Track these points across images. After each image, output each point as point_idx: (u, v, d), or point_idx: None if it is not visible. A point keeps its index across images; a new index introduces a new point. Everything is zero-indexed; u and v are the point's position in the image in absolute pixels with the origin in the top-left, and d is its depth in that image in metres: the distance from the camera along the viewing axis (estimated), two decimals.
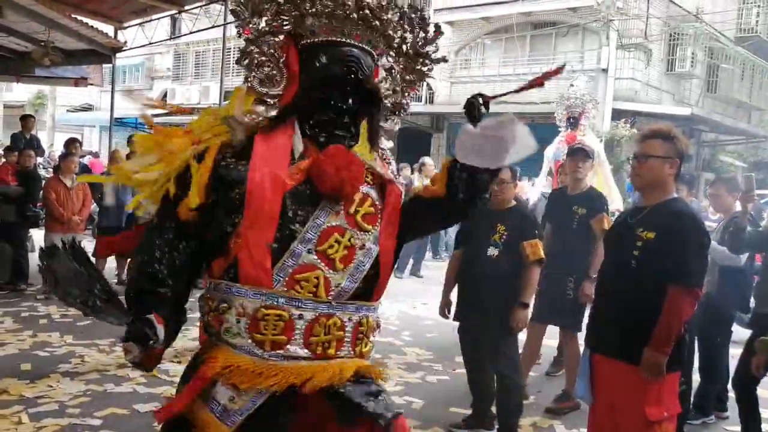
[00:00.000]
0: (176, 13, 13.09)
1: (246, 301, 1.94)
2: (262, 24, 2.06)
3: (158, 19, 12.86)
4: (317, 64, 2.05)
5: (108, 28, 10.77)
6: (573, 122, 7.90)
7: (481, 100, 2.08)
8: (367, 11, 2.06)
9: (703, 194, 11.95)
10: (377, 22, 2.09)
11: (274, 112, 2.06)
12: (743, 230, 4.60)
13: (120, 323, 1.93)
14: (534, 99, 16.61)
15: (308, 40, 2.07)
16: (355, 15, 2.05)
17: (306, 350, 1.98)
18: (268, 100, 2.07)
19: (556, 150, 7.80)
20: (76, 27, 9.22)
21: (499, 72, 17.90)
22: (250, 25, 2.05)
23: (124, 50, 11.81)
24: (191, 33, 14.42)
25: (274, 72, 2.08)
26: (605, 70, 15.75)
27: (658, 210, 3.12)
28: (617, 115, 14.82)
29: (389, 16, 2.12)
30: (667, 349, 2.95)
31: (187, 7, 11.81)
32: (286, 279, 1.96)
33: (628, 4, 15.75)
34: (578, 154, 5.22)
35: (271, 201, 1.94)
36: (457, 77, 18.84)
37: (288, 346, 1.96)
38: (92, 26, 9.85)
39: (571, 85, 8.46)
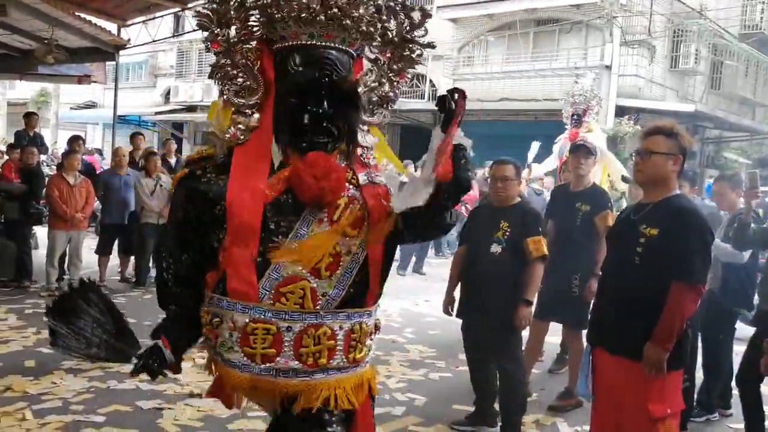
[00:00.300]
0: (179, 11, 13.08)
1: (236, 315, 1.95)
2: (232, 33, 2.03)
3: (161, 16, 12.86)
4: (291, 69, 2.00)
5: (111, 26, 10.78)
6: (576, 119, 7.88)
7: (456, 96, 1.99)
8: (336, 10, 1.99)
9: (705, 191, 11.92)
10: (348, 21, 2.02)
11: (254, 122, 2.03)
12: (747, 227, 4.58)
13: (128, 360, 2.06)
14: (537, 96, 16.61)
15: (280, 45, 2.03)
16: (322, 16, 1.98)
17: (297, 362, 1.97)
18: (246, 110, 2.04)
19: (560, 147, 7.80)
20: (79, 25, 9.23)
21: (503, 69, 17.87)
22: (219, 38, 2.02)
23: (128, 48, 11.81)
24: (194, 30, 14.39)
25: (249, 81, 2.05)
26: (609, 67, 15.72)
27: (661, 206, 3.12)
28: (621, 111, 14.79)
29: (361, 12, 2.05)
30: (669, 345, 2.95)
31: (190, 5, 11.79)
32: (272, 292, 1.95)
33: (632, 1, 15.71)
34: (580, 150, 5.22)
35: (252, 213, 1.92)
36: (460, 74, 18.81)
37: (278, 359, 1.96)
38: (95, 24, 9.86)
39: (576, 82, 8.44)
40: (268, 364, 1.96)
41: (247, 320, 1.94)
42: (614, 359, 3.14)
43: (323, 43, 2.01)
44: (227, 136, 2.02)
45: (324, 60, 1.99)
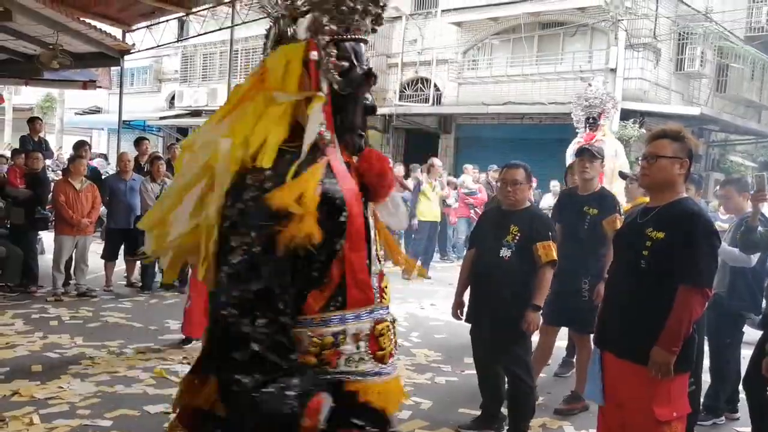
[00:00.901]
0: (184, 16, 13.15)
1: (359, 324, 1.85)
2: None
3: (166, 21, 12.90)
4: (345, 65, 1.89)
5: (116, 31, 10.82)
6: (592, 123, 7.87)
7: None
8: (368, 4, 1.92)
9: (712, 194, 11.89)
10: (370, 16, 1.95)
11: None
12: (755, 230, 4.57)
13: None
14: (542, 99, 16.59)
15: (324, 38, 1.87)
16: (360, 6, 1.90)
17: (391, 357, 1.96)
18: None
19: (573, 151, 7.79)
20: (84, 30, 9.26)
21: (507, 72, 17.86)
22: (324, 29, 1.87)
23: (132, 53, 11.85)
24: (199, 35, 14.46)
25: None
26: (614, 70, 15.69)
27: (668, 210, 3.11)
28: (626, 115, 14.74)
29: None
30: (676, 348, 2.94)
31: (194, 10, 11.85)
32: (377, 289, 1.92)
33: (637, 4, 15.67)
34: (585, 154, 5.21)
35: (361, 215, 1.86)
36: (465, 78, 18.81)
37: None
38: (100, 29, 9.89)
39: (589, 85, 8.42)
40: (390, 360, 1.92)
41: (372, 324, 1.87)
42: (620, 363, 3.14)
43: (358, 37, 1.96)
44: (316, 134, 1.82)
45: (363, 54, 1.97)
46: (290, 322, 1.72)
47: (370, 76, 1.95)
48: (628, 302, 3.15)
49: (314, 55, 1.82)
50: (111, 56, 11.01)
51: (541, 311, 4.34)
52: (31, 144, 10.32)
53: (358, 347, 1.83)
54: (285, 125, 1.78)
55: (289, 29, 1.87)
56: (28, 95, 26.88)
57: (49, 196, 8.78)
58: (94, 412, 4.45)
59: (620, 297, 3.24)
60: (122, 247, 8.79)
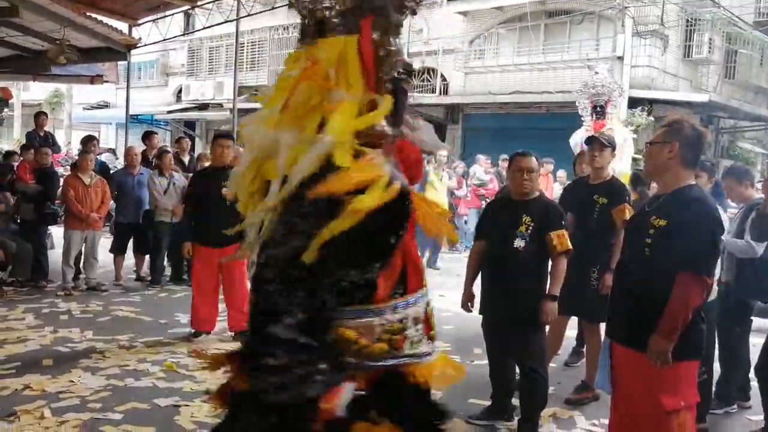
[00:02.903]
0: (189, 9, 13.13)
1: (417, 307, 1.94)
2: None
3: (172, 15, 12.90)
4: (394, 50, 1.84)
5: (122, 26, 10.83)
6: (600, 111, 7.82)
7: None
8: None
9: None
10: None
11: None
12: (766, 218, 4.54)
13: None
14: (549, 88, 16.51)
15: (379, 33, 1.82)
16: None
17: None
18: None
19: (580, 139, 7.76)
20: (90, 25, 9.27)
21: (514, 61, 17.78)
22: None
23: (139, 47, 11.87)
24: (204, 28, 14.45)
25: None
26: (621, 58, 15.59)
27: (672, 198, 3.11)
28: (634, 102, 14.66)
29: None
30: (673, 336, 2.92)
31: (200, 3, 11.84)
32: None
33: None
34: (594, 143, 5.18)
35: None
36: (471, 68, 18.74)
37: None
38: (107, 24, 9.90)
39: (596, 73, 8.37)
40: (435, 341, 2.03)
41: (425, 306, 1.97)
42: (628, 352, 3.13)
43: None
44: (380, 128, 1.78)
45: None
46: (333, 303, 1.68)
47: (412, 70, 1.95)
48: (633, 290, 3.15)
49: (380, 50, 1.78)
50: (118, 51, 11.03)
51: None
52: (38, 139, 10.34)
53: (417, 330, 1.93)
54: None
55: (333, 21, 1.84)
56: (36, 91, 26.95)
57: (59, 191, 8.81)
58: (104, 406, 4.46)
59: (626, 285, 3.24)
60: (131, 241, 8.82)
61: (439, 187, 11.50)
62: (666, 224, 3.02)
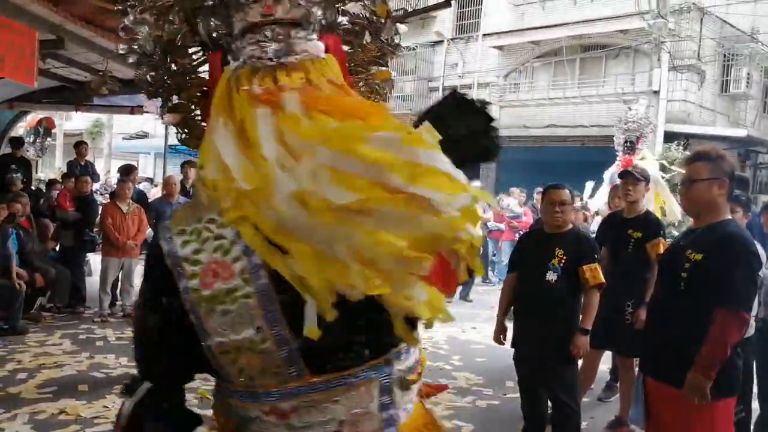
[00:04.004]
0: None
1: None
2: None
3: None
4: None
5: None
6: (630, 146, 7.81)
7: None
8: None
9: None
10: None
11: None
12: None
13: None
14: (584, 122, 16.47)
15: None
16: None
17: None
18: None
19: (611, 174, 7.73)
20: None
21: (549, 95, 17.80)
22: None
23: None
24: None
25: None
26: (657, 92, 15.52)
27: (708, 232, 3.07)
28: (669, 137, 14.54)
29: None
30: (712, 372, 2.87)
31: None
32: None
33: (680, 26, 15.51)
34: (627, 177, 5.16)
35: None
36: (507, 101, 18.79)
37: None
38: None
39: (629, 109, 8.37)
40: None
41: None
42: (662, 387, 3.08)
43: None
44: None
45: None
46: None
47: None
48: (668, 325, 3.11)
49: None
50: None
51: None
52: (78, 168, 10.59)
53: None
54: None
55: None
56: (77, 121, 27.60)
57: (97, 219, 8.99)
58: None
59: (660, 320, 3.20)
60: None
61: None
62: (702, 258, 2.98)
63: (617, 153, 8.20)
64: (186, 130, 1.68)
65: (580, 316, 4.22)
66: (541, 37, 17.67)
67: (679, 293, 3.05)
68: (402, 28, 1.74)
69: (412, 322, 1.34)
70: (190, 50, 1.66)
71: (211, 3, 1.51)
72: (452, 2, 9.94)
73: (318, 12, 1.49)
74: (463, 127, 1.66)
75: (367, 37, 1.69)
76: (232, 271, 1.35)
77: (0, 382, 5.47)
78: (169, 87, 1.66)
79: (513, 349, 4.45)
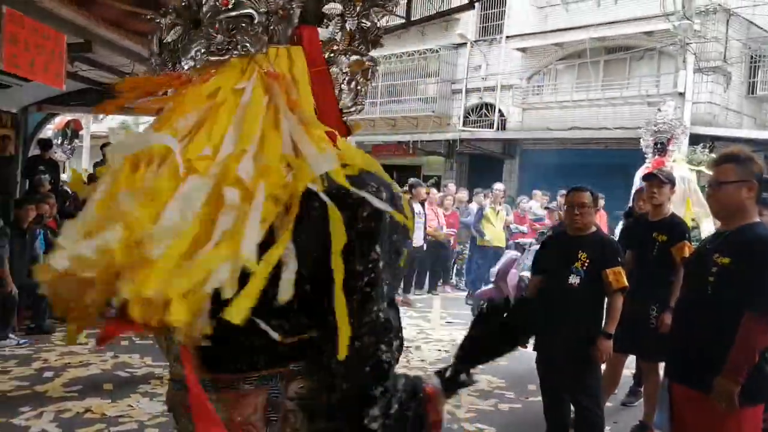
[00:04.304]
0: None
1: None
2: None
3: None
4: None
5: None
6: (661, 148, 7.73)
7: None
8: None
9: None
10: None
11: None
12: None
13: None
14: (607, 125, 16.34)
15: None
16: None
17: None
18: None
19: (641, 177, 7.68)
20: None
21: (572, 97, 17.70)
22: None
23: None
24: None
25: None
26: (682, 94, 15.36)
27: (736, 235, 3.03)
28: (695, 140, 14.38)
29: None
30: (740, 378, 2.83)
31: None
32: None
33: (706, 27, 15.35)
34: (653, 180, 5.11)
35: None
36: (530, 103, 18.72)
37: None
38: None
39: (659, 110, 8.28)
40: None
41: None
42: (688, 392, 3.05)
43: None
44: None
45: None
46: None
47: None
48: (695, 329, 3.07)
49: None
50: None
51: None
52: None
53: None
54: None
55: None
56: (105, 123, 27.99)
57: None
58: (162, 431, 4.54)
59: (687, 324, 3.16)
60: None
61: (495, 222, 11.44)
62: (730, 262, 2.95)
63: (646, 155, 8.12)
64: None
65: (604, 320, 4.19)
66: (565, 39, 17.57)
67: (706, 297, 3.02)
68: (377, 11, 1.67)
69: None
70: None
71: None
72: (475, 4, 9.93)
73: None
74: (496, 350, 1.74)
75: (348, 26, 1.64)
76: None
77: (27, 380, 5.56)
78: None
79: (536, 353, 4.43)
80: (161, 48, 1.58)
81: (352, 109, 1.66)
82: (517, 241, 10.29)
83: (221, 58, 1.44)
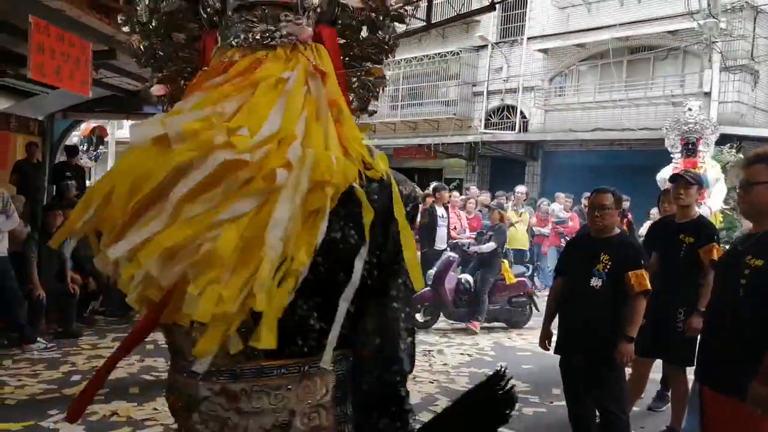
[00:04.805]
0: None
1: None
2: None
3: None
4: None
5: None
6: (691, 148, 7.62)
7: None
8: None
9: None
10: None
11: None
12: None
13: None
14: (631, 125, 16.19)
15: None
16: None
17: None
18: None
19: (666, 176, 7.60)
20: None
21: (595, 98, 17.55)
22: None
23: None
24: None
25: None
26: (708, 94, 15.17)
27: None
28: (722, 140, 14.16)
29: None
30: None
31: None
32: None
33: (732, 25, 15.15)
34: (680, 180, 5.04)
35: None
36: (552, 105, 18.61)
37: None
38: None
39: (689, 110, 8.17)
40: None
41: None
42: (721, 398, 2.99)
43: None
44: None
45: None
46: None
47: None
48: (726, 333, 3.01)
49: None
50: None
51: (635, 342, 4.19)
52: None
53: None
54: None
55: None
56: (128, 129, 28.36)
57: None
58: None
59: (718, 327, 3.10)
60: None
61: (517, 225, 11.37)
62: (763, 264, 2.89)
63: (672, 156, 8.02)
64: (171, 104, 1.70)
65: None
66: (587, 40, 17.44)
67: (738, 300, 2.96)
68: (400, 27, 1.75)
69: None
70: (188, 26, 1.68)
71: None
72: (496, 6, 9.88)
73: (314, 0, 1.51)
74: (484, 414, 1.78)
75: (364, 33, 1.69)
76: None
77: (55, 383, 5.63)
78: (159, 58, 1.69)
79: (559, 356, 4.40)
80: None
81: (357, 113, 1.72)
82: (455, 241, 10.10)
83: (266, 45, 1.46)
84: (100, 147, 20.91)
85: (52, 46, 6.54)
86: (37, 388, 5.50)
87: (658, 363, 5.27)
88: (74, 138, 16.98)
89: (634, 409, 5.26)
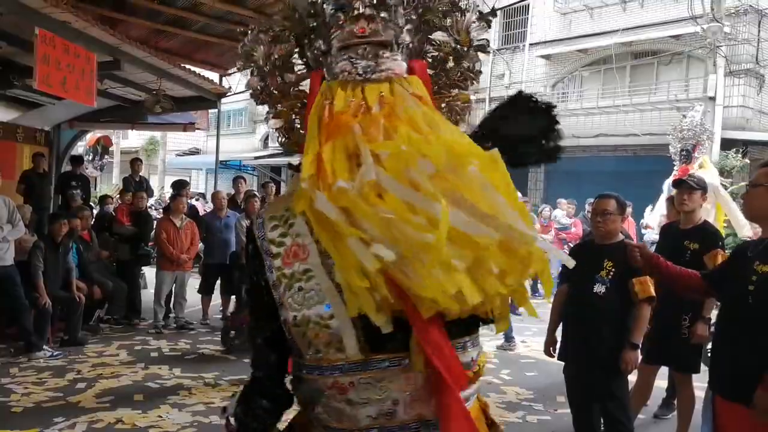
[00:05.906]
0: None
1: None
2: None
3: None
4: None
5: (213, 76, 11.31)
6: (686, 155, 7.63)
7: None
8: None
9: None
10: None
11: None
12: None
13: None
14: (635, 131, 16.18)
15: None
16: None
17: None
18: None
19: (668, 186, 7.59)
20: (184, 75, 9.73)
21: (598, 104, 17.55)
22: None
23: (228, 96, 12.34)
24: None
25: None
26: (713, 98, 15.15)
27: None
28: (727, 144, 14.16)
29: None
30: None
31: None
32: None
33: (737, 29, 15.14)
34: (682, 186, 5.03)
35: None
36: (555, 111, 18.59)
37: None
38: (199, 74, 10.38)
39: (684, 116, 8.18)
40: None
41: None
42: (732, 406, 2.95)
43: None
44: None
45: None
46: None
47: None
48: (736, 340, 2.99)
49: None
50: (209, 99, 11.51)
51: (640, 349, 4.18)
52: (133, 183, 10.89)
53: None
54: None
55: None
56: (133, 139, 28.46)
57: (152, 233, 9.23)
58: None
59: (729, 335, 3.08)
60: (218, 281, 9.08)
61: None
62: None
63: (674, 162, 8.02)
64: (287, 136, 1.87)
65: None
66: (590, 45, 17.46)
67: (746, 307, 2.94)
68: (483, 56, 1.89)
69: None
70: (296, 67, 1.88)
71: (314, 24, 1.73)
72: (497, 12, 9.92)
73: (406, 37, 1.69)
74: (527, 128, 1.90)
75: (451, 63, 1.84)
76: (308, 252, 1.56)
77: (60, 391, 5.65)
78: (275, 96, 1.86)
79: (563, 363, 4.39)
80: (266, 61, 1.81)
81: None
82: None
83: (367, 78, 1.61)
84: (105, 157, 20.98)
85: (58, 57, 6.59)
86: (43, 395, 5.52)
87: (664, 370, 5.25)
88: (80, 148, 17.06)
89: (640, 416, 5.25)
